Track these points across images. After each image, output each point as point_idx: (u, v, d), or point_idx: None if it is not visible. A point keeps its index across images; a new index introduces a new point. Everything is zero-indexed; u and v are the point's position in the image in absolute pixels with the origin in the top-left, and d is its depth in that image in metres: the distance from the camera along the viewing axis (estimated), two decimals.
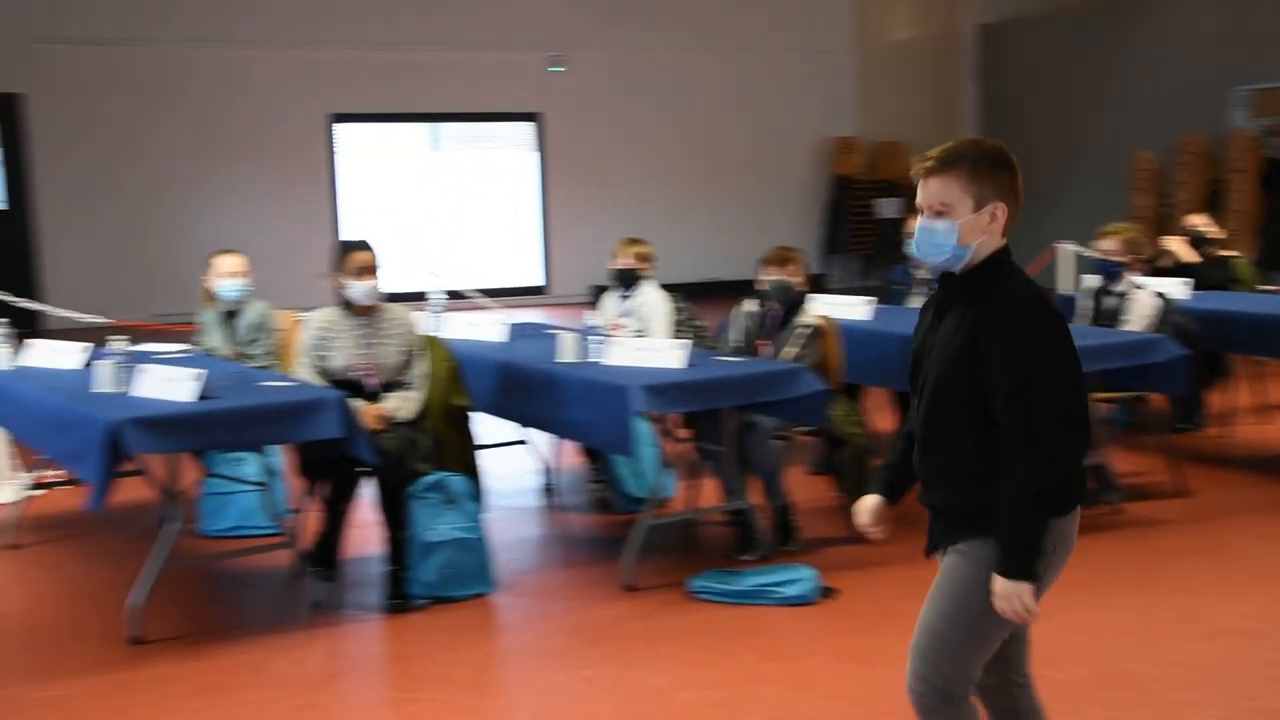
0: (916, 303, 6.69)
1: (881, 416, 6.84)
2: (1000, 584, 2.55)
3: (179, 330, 6.90)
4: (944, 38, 16.96)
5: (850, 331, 5.94)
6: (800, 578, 4.79)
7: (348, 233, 13.41)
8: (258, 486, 5.50)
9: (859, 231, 16.41)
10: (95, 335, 6.18)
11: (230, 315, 6.07)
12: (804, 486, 5.99)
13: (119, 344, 5.24)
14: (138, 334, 5.85)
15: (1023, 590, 2.53)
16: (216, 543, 5.60)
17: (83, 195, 13.11)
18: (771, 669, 4.18)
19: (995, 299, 2.61)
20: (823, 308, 6.06)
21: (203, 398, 4.53)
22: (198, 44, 13.30)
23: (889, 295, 7.26)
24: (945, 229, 2.64)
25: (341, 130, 14.39)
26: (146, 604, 4.53)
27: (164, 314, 11.47)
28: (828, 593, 4.79)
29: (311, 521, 5.17)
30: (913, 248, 2.77)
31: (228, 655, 4.40)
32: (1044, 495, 2.54)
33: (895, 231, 13.88)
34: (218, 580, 5.24)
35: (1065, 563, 2.68)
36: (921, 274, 6.86)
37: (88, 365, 5.27)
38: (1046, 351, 2.57)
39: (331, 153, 14.30)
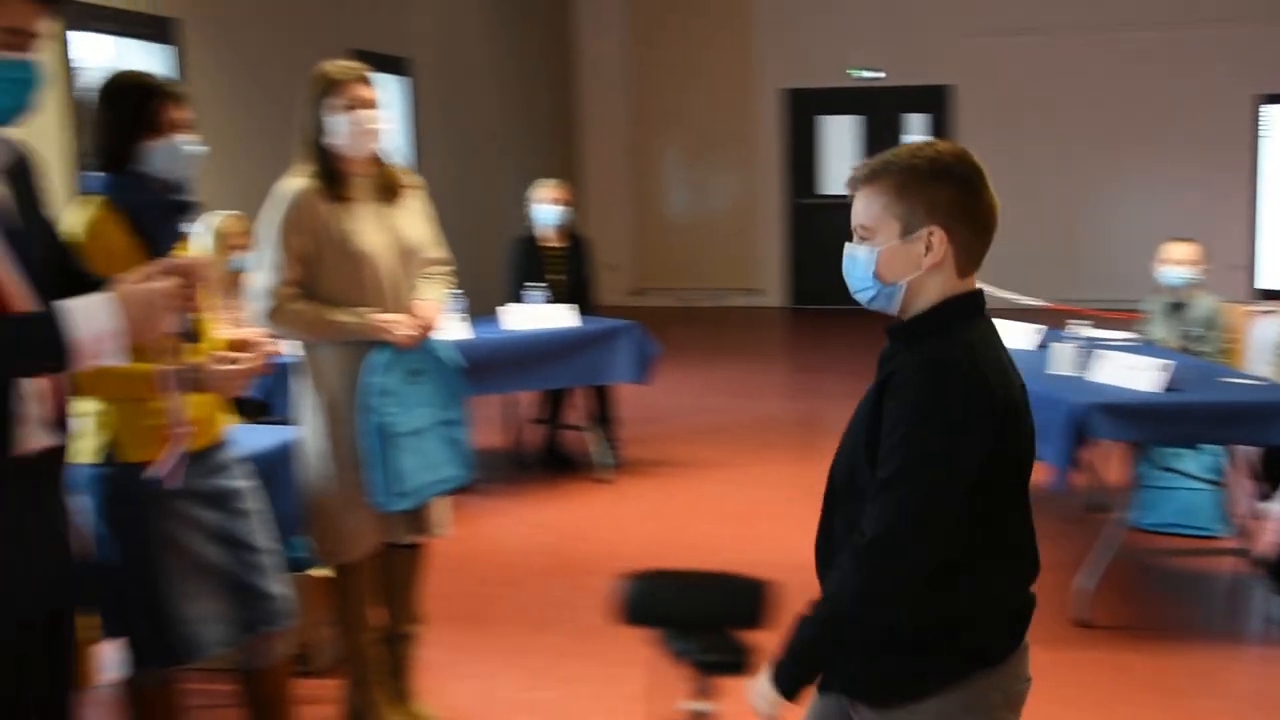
0: None
1: None
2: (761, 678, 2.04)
3: (1115, 318, 6.87)
4: None
5: None
6: None
7: (1269, 220, 12.47)
8: (1208, 484, 5.27)
9: None
10: (1026, 316, 6.32)
11: (1177, 306, 5.88)
12: None
13: (1079, 327, 5.31)
14: (1064, 319, 5.89)
15: (769, 697, 2.03)
16: (1153, 537, 5.47)
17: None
18: None
19: (908, 355, 2.00)
20: None
21: (1167, 389, 4.43)
22: (1123, 29, 13.13)
23: None
24: (865, 258, 2.07)
25: (1272, 112, 13.40)
26: (1094, 590, 4.55)
27: (1098, 301, 11.52)
28: None
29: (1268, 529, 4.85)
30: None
31: (1176, 656, 4.27)
32: (842, 623, 1.98)
33: None
34: (1158, 575, 5.12)
35: None
36: None
37: (1042, 346, 5.41)
38: (928, 435, 1.91)
39: (1256, 136, 13.38)
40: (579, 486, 6.51)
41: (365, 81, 3.44)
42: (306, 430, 3.54)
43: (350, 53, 8.77)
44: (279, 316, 3.38)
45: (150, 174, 2.90)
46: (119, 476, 2.85)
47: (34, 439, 2.22)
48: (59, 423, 2.29)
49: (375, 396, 3.40)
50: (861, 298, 2.12)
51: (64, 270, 2.37)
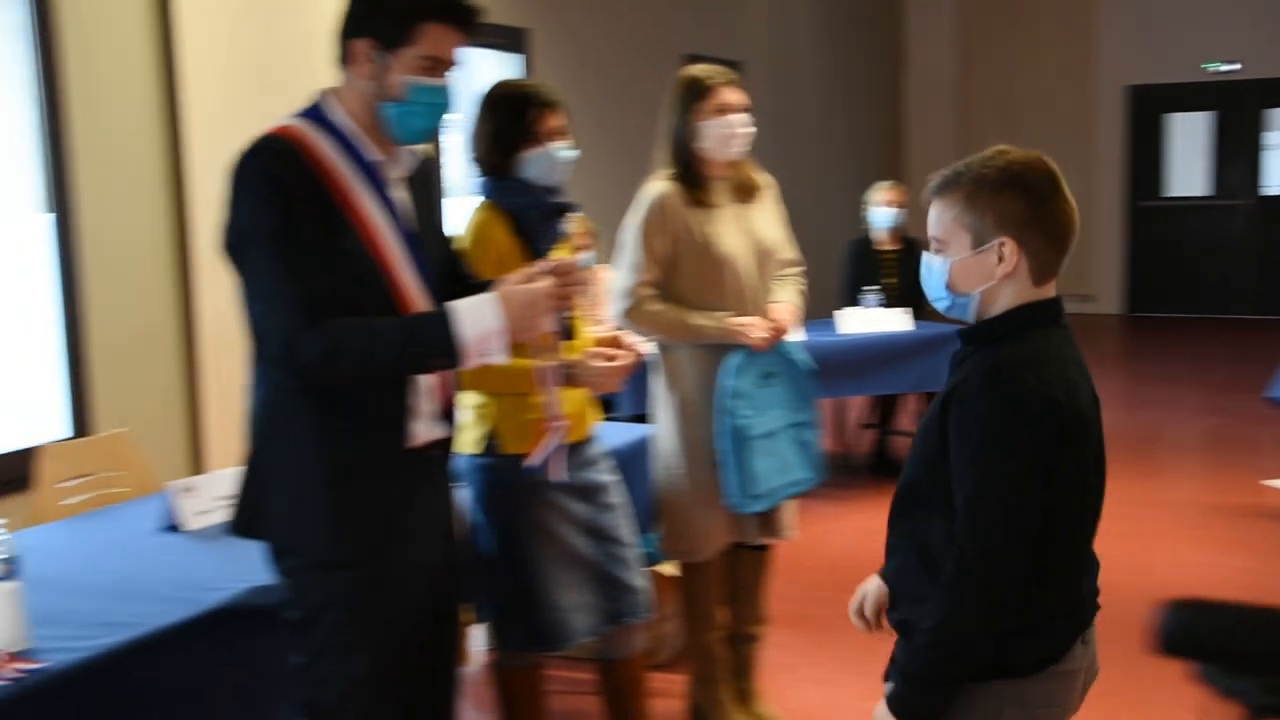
0: None
1: None
2: (880, 711, 2.02)
3: None
4: None
5: None
6: None
7: None
8: None
9: None
10: None
11: None
12: None
13: None
14: None
15: None
16: None
17: None
18: None
19: (976, 362, 2.00)
20: None
21: None
22: None
23: None
24: (939, 269, 2.07)
25: None
26: None
27: None
28: None
29: None
30: None
31: None
32: (951, 639, 1.94)
33: None
34: None
35: None
36: None
37: None
38: (998, 454, 1.91)
39: None
40: (883, 493, 6.37)
41: (733, 86, 3.48)
42: (660, 429, 3.61)
43: (684, 57, 8.94)
44: (636, 316, 3.46)
45: (528, 180, 3.03)
46: (498, 467, 2.99)
47: (426, 431, 2.36)
48: (446, 415, 2.42)
49: (730, 399, 3.43)
50: (939, 307, 2.12)
51: (452, 275, 2.51)
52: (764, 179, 3.64)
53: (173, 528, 2.97)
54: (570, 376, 2.89)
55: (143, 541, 2.90)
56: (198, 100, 4.56)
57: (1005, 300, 2.02)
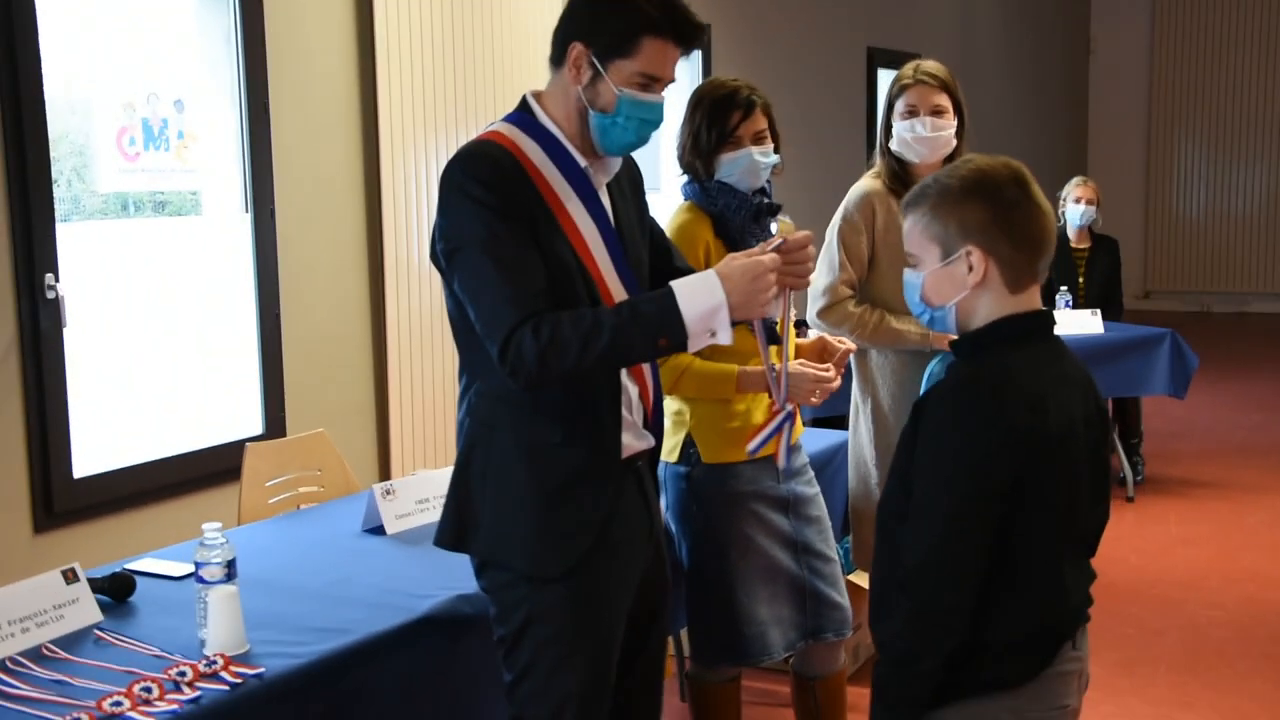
0: None
1: None
2: None
3: None
4: None
5: None
6: None
7: None
8: None
9: None
10: None
11: None
12: None
13: None
14: None
15: None
16: None
17: None
18: None
19: (947, 375, 2.00)
20: None
21: None
22: None
23: None
24: (914, 283, 2.04)
25: None
26: None
27: None
28: None
29: None
30: None
31: None
32: (903, 661, 1.92)
33: None
34: None
35: None
36: None
37: None
38: (946, 473, 1.87)
39: None
40: None
41: (927, 86, 3.33)
42: (854, 435, 3.51)
43: (866, 51, 8.77)
44: (832, 316, 3.37)
45: (729, 183, 2.95)
46: (695, 476, 2.93)
47: (634, 442, 2.31)
48: (650, 425, 2.37)
49: None
50: (922, 321, 2.09)
51: (665, 273, 2.43)
52: None
53: (375, 530, 2.99)
54: (779, 384, 2.81)
55: (347, 544, 2.92)
56: (393, 106, 4.62)
57: (984, 311, 2.00)
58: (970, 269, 1.97)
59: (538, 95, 2.30)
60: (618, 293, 2.26)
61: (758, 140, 2.97)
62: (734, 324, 2.14)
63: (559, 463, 2.22)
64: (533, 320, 2.08)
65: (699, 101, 2.99)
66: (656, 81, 2.22)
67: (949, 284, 2.00)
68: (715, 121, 2.95)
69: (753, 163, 2.95)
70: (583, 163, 2.26)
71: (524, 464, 2.21)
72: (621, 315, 2.11)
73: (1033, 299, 2.02)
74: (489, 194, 2.13)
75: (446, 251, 2.19)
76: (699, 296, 2.11)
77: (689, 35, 2.22)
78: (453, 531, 2.29)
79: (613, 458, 2.26)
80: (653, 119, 2.24)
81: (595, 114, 2.22)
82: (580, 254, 2.21)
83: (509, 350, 2.08)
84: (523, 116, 2.28)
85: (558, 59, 2.25)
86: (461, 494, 2.28)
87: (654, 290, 2.20)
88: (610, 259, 2.27)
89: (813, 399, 2.81)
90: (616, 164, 2.34)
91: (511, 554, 2.23)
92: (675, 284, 2.14)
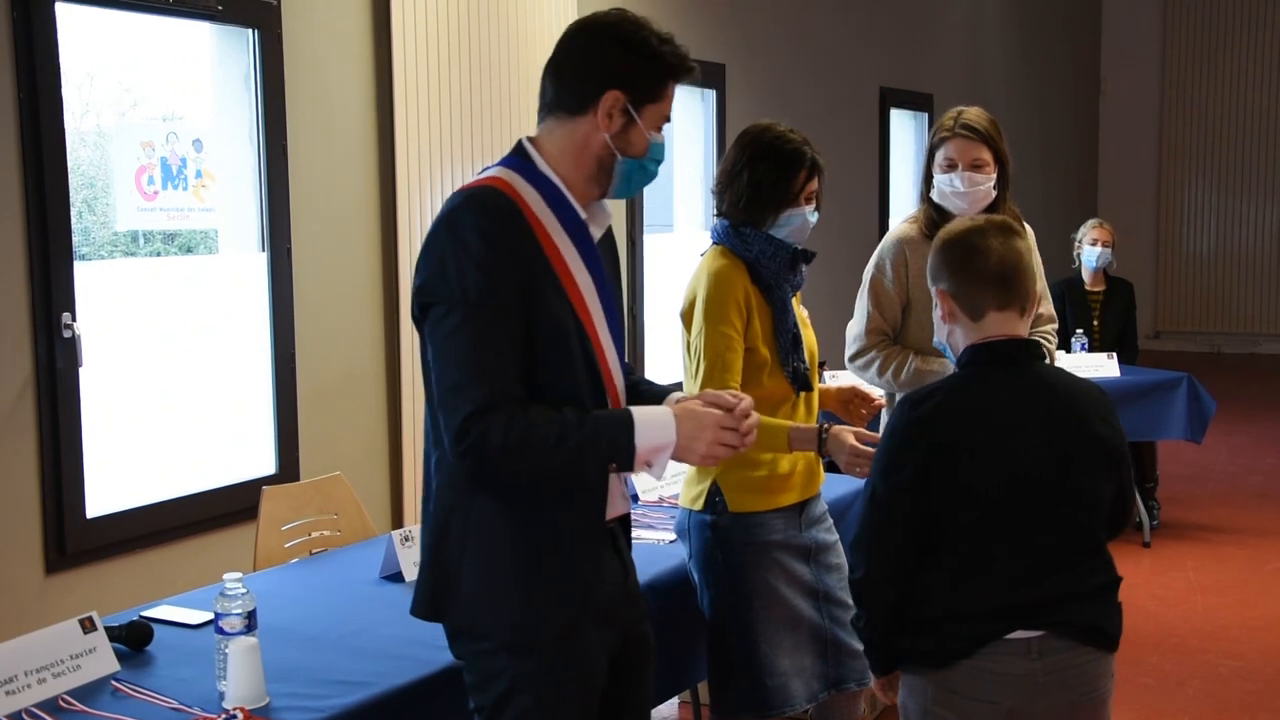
0: None
1: None
2: None
3: None
4: None
5: None
6: None
7: None
8: None
9: None
10: None
11: None
12: None
13: None
14: None
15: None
16: None
17: None
18: None
19: None
20: None
21: None
22: None
23: None
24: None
25: None
26: None
27: None
28: None
29: None
30: None
31: None
32: (858, 623, 2.41)
33: None
34: None
35: None
36: None
37: None
38: (875, 470, 2.31)
39: None
40: (1114, 547, 6.06)
41: (970, 140, 3.31)
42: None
43: (878, 91, 8.77)
44: (862, 360, 3.36)
45: (773, 235, 2.91)
46: (720, 525, 2.89)
47: (617, 507, 2.27)
48: (628, 495, 2.36)
49: None
50: (945, 355, 2.44)
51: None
52: (1021, 228, 3.48)
53: (393, 577, 2.95)
54: (818, 438, 2.78)
55: (365, 591, 2.88)
56: (410, 147, 4.61)
57: (960, 342, 2.33)
58: (939, 306, 2.33)
59: (534, 141, 2.22)
60: (609, 350, 2.22)
61: (815, 200, 2.95)
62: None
63: (545, 528, 2.13)
64: (504, 409, 2.01)
65: (763, 153, 2.91)
66: (665, 121, 2.24)
67: (938, 325, 2.37)
68: (782, 178, 2.89)
69: (805, 223, 2.92)
70: (583, 214, 2.20)
71: (508, 527, 2.12)
72: (585, 432, 2.06)
73: (1003, 326, 2.29)
74: (489, 252, 2.04)
75: (425, 302, 2.09)
76: (653, 431, 2.11)
77: (692, 76, 2.23)
78: (430, 601, 2.18)
79: (599, 522, 2.20)
80: (663, 158, 2.27)
81: (624, 160, 2.19)
82: (578, 309, 2.15)
83: (470, 431, 2.00)
84: (521, 163, 2.20)
85: (578, 107, 2.17)
86: (439, 560, 2.17)
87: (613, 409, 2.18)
88: (604, 314, 2.22)
89: (852, 469, 2.76)
90: (609, 218, 2.29)
91: (493, 622, 2.13)
92: (636, 414, 2.12)
